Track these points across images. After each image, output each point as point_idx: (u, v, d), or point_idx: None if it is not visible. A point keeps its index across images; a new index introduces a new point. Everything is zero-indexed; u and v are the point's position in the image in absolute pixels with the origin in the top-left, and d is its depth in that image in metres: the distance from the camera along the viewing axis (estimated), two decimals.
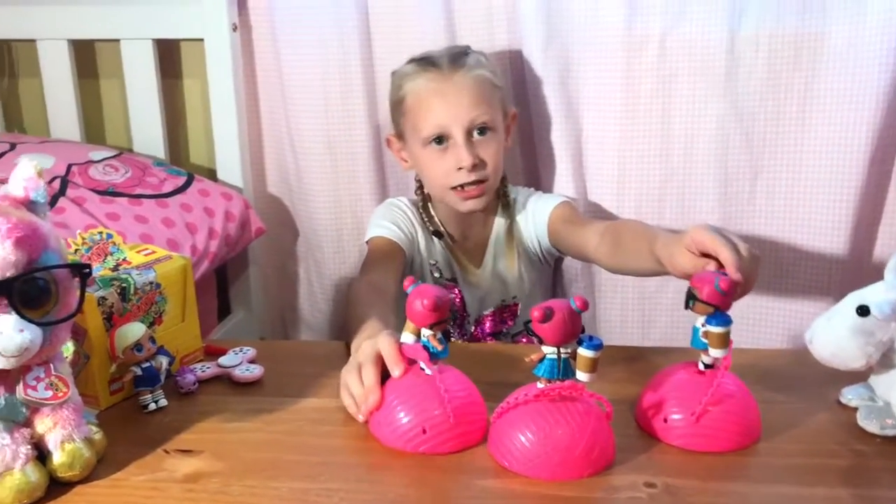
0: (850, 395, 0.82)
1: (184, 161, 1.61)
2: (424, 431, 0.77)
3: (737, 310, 1.26)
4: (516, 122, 1.30)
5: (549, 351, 0.72)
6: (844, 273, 1.27)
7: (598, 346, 0.71)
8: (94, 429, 0.76)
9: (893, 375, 0.78)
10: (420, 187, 1.31)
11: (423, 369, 0.79)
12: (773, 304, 1.33)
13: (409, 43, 1.34)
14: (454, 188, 1.20)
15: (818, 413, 0.82)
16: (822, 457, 0.75)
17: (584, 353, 0.71)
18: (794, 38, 1.22)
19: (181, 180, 1.39)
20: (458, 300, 1.29)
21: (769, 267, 1.32)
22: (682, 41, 1.25)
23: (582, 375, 0.72)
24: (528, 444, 0.72)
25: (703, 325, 0.77)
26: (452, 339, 1.28)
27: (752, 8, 1.22)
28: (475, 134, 1.19)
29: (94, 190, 1.28)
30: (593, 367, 0.71)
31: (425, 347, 0.78)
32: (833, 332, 0.77)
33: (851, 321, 0.75)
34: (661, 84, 1.28)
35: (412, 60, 1.23)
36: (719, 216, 1.31)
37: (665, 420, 0.77)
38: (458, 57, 1.21)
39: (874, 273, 1.28)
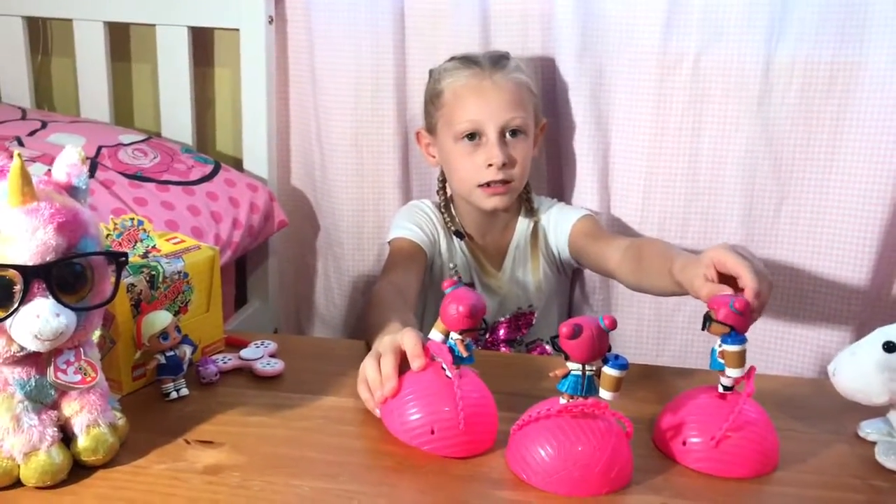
0: (869, 430, 0.82)
1: (210, 149, 1.62)
2: (433, 432, 0.77)
3: (755, 335, 1.26)
4: (544, 132, 1.30)
5: (574, 367, 0.72)
6: (865, 304, 1.27)
7: (623, 366, 0.71)
8: (119, 415, 0.77)
9: None
10: (442, 188, 1.32)
11: (443, 370, 0.80)
12: (791, 330, 1.33)
13: (443, 44, 1.35)
14: (481, 185, 1.21)
15: (836, 445, 0.82)
16: (838, 490, 0.75)
17: (609, 371, 0.71)
18: (830, 65, 1.22)
19: (208, 168, 1.40)
20: None
21: (789, 293, 1.32)
22: (716, 62, 1.25)
23: (605, 394, 0.72)
24: (547, 459, 0.73)
25: (719, 346, 0.77)
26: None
27: (789, 33, 1.22)
28: (507, 135, 1.20)
29: (122, 173, 1.29)
30: (617, 386, 0.72)
31: (451, 350, 0.79)
32: (858, 367, 0.77)
33: (877, 357, 0.75)
34: (692, 103, 1.28)
35: (454, 58, 1.25)
36: (742, 238, 1.31)
37: (684, 443, 0.77)
38: (499, 59, 1.22)
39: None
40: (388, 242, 1.27)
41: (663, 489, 0.74)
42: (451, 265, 1.28)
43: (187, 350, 0.88)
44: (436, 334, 0.81)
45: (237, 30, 1.44)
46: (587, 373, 0.72)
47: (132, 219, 0.91)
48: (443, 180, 1.32)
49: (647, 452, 0.79)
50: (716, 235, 1.32)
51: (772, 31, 1.22)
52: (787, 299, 1.32)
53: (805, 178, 1.28)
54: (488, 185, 1.21)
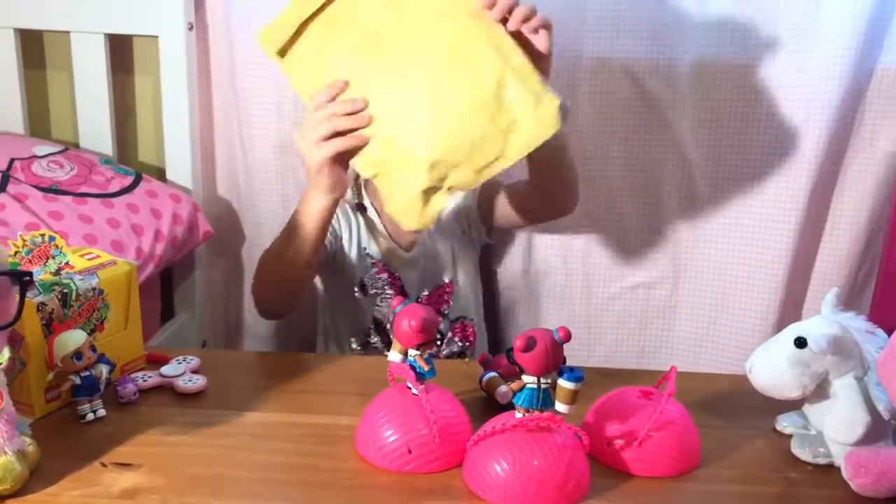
0: (785, 423, 0.85)
1: (132, 160, 1.57)
2: (410, 451, 0.76)
3: (678, 334, 1.28)
4: None
5: (529, 381, 0.72)
6: (785, 301, 1.31)
7: (579, 378, 0.71)
8: (28, 440, 0.73)
9: (826, 406, 0.80)
10: None
11: (409, 389, 0.79)
12: (712, 329, 1.36)
13: None
14: None
15: (754, 440, 0.84)
16: (757, 484, 0.77)
17: (564, 384, 0.71)
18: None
19: (128, 180, 1.36)
20: (397, 284, 1.27)
21: (712, 293, 1.35)
22: None
23: (561, 407, 0.72)
24: (503, 475, 0.71)
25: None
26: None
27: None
28: None
29: (36, 187, 1.24)
30: (573, 398, 0.71)
31: (412, 367, 0.78)
32: (772, 363, 0.79)
33: (789, 352, 0.78)
34: None
35: None
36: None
37: (608, 444, 0.78)
38: None
39: (812, 303, 1.33)
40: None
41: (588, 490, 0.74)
42: (364, 247, 1.24)
43: (104, 369, 0.85)
44: (394, 355, 0.80)
45: (156, 37, 1.41)
46: (542, 386, 0.71)
47: (43, 235, 0.87)
48: None
49: None
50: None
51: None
52: (708, 298, 1.36)
53: (718, 181, 1.32)
54: None
